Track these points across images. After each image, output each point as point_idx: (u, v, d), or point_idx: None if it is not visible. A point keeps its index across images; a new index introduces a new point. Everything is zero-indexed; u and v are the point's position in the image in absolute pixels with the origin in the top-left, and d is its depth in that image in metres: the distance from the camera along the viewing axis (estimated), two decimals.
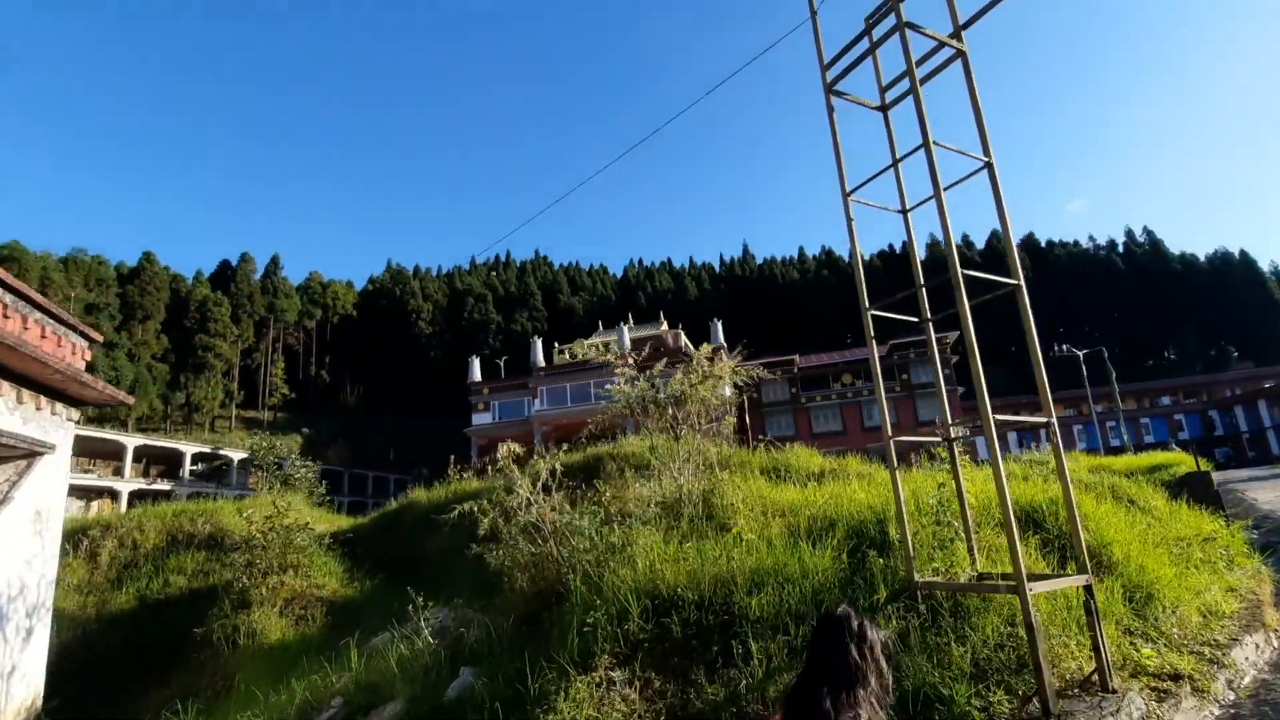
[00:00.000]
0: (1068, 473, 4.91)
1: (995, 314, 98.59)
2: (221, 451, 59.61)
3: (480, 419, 62.20)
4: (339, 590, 9.65)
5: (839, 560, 5.81)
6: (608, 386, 9.42)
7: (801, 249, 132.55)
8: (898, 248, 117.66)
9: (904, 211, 6.48)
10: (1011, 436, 77.63)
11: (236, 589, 9.35)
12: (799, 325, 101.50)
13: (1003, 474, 4.55)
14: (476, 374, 64.54)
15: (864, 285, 6.08)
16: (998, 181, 5.49)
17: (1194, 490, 13.77)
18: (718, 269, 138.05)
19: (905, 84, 6.28)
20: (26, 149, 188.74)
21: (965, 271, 5.17)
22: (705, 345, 10.16)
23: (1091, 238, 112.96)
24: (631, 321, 78.46)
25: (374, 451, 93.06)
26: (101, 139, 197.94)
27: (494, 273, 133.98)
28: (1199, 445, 72.86)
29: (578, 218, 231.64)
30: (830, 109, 6.25)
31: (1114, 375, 48.22)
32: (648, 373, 10.46)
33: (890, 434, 5.53)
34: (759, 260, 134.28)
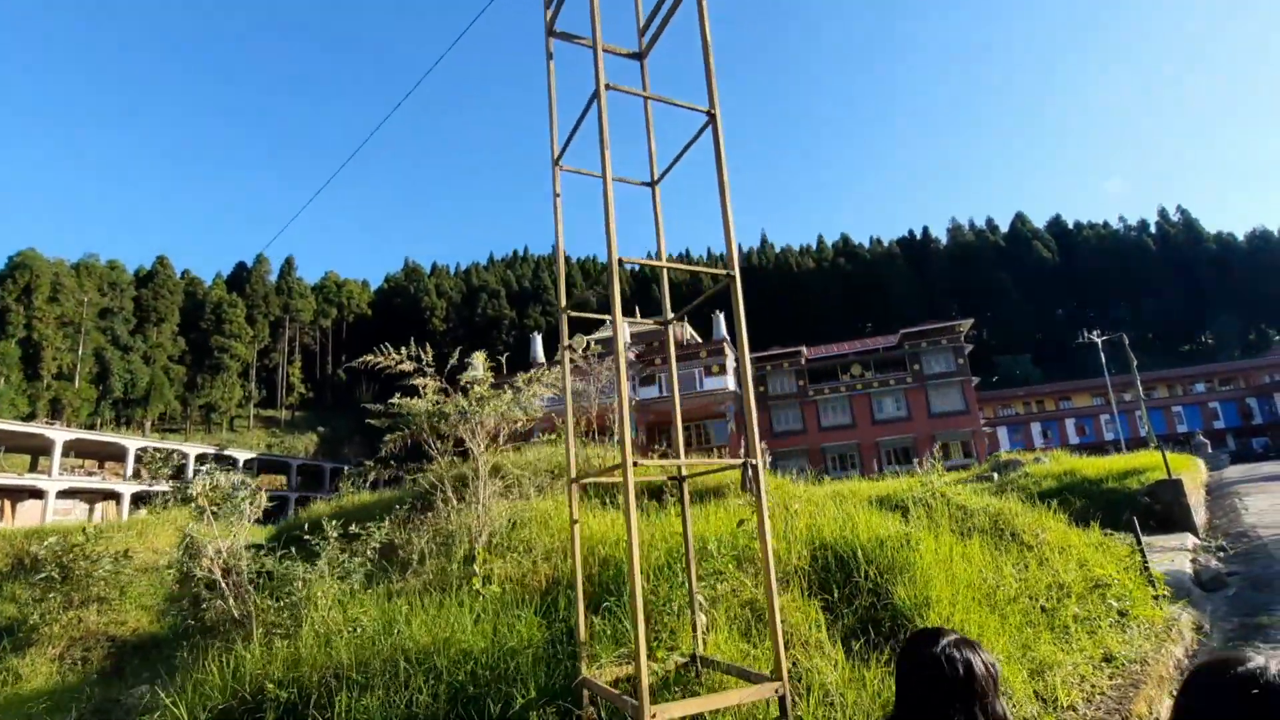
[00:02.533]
0: (787, 512, 3.52)
1: (1018, 302, 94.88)
2: (227, 452, 60.00)
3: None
4: (143, 628, 8.68)
5: (557, 628, 4.51)
6: (392, 402, 8.20)
7: (820, 237, 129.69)
8: (918, 233, 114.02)
9: (652, 184, 5.11)
10: (1035, 428, 74.62)
11: (29, 625, 8.47)
12: (815, 315, 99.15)
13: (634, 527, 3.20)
14: (479, 370, 63.78)
15: (563, 278, 4.76)
16: (720, 141, 4.10)
17: (1164, 500, 12.06)
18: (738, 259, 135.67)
19: (658, 25, 4.92)
20: (44, 155, 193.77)
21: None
22: (480, 354, 8.85)
23: (1122, 218, 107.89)
24: (639, 314, 77.24)
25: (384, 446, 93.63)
26: (118, 145, 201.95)
27: (510, 269, 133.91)
28: (1235, 435, 68.99)
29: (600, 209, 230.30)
30: (549, 55, 4.90)
31: (1134, 363, 45.36)
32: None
33: (573, 476, 4.19)
34: (777, 250, 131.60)
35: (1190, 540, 10.66)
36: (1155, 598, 6.46)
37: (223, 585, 5.08)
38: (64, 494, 45.93)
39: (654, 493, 10.31)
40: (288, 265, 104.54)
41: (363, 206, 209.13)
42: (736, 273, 4.02)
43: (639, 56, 5.13)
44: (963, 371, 54.14)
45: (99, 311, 75.47)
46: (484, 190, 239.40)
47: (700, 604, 4.46)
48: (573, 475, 4.10)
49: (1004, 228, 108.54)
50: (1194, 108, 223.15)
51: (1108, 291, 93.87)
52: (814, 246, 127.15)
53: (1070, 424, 72.29)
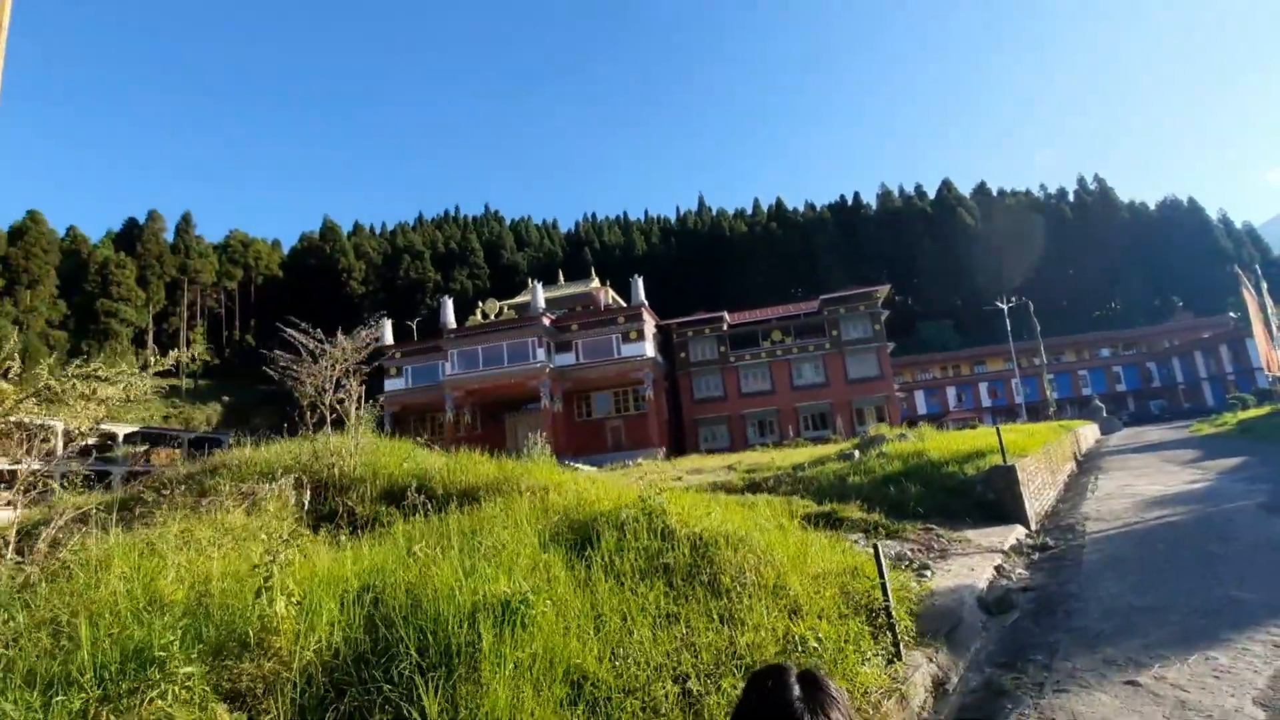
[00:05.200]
0: None
1: (942, 269, 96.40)
2: (104, 426, 55.27)
3: (393, 384, 58.87)
4: None
5: None
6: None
7: (756, 201, 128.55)
8: (850, 199, 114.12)
9: None
10: (950, 391, 76.33)
11: None
12: (745, 279, 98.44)
13: None
14: (388, 336, 60.97)
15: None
16: None
17: (998, 488, 11.03)
18: (673, 221, 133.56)
19: None
20: None
21: None
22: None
23: (1043, 186, 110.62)
24: (563, 278, 74.98)
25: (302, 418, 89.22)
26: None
27: (440, 229, 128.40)
28: (1135, 398, 72.15)
29: (541, 170, 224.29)
30: None
31: (1038, 329, 46.19)
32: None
33: None
34: (714, 212, 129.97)
35: (1014, 536, 9.57)
36: (896, 645, 5.06)
37: None
38: None
39: (393, 495, 8.43)
40: (185, 222, 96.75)
41: (281, 162, 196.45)
42: None
43: None
44: (879, 338, 54.18)
45: None
46: (420, 148, 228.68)
47: None
48: None
49: (932, 194, 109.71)
50: (1119, 81, 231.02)
51: (1026, 258, 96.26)
52: (748, 210, 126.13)
53: (984, 387, 74.19)
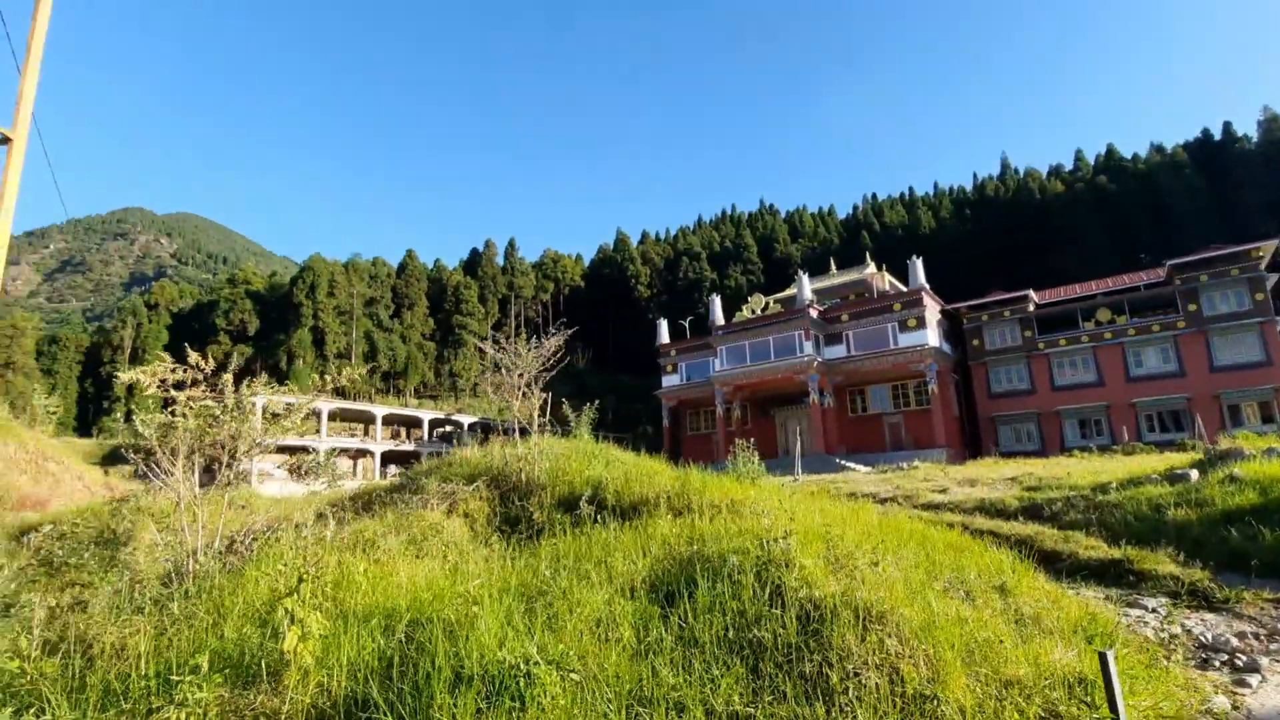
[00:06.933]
0: None
1: None
2: (455, 417, 68.41)
3: (669, 381, 62.56)
4: None
5: None
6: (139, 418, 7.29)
7: (1079, 152, 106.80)
8: (1216, 132, 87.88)
9: None
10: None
11: None
12: (1059, 249, 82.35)
13: None
14: (664, 335, 64.76)
15: None
16: None
17: None
18: (969, 191, 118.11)
19: None
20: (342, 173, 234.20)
21: None
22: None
23: None
24: (834, 267, 71.50)
25: (601, 411, 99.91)
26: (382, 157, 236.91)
27: (717, 229, 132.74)
28: None
29: (818, 158, 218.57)
30: None
31: None
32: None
33: None
34: (1020, 174, 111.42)
35: None
36: None
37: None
38: (330, 452, 56.04)
39: (571, 503, 8.35)
40: (511, 247, 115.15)
41: (589, 185, 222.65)
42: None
43: None
44: (1262, 310, 41.09)
45: (366, 301, 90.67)
46: (700, 151, 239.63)
47: None
48: None
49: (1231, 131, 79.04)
50: None
51: None
52: (1067, 166, 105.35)
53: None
